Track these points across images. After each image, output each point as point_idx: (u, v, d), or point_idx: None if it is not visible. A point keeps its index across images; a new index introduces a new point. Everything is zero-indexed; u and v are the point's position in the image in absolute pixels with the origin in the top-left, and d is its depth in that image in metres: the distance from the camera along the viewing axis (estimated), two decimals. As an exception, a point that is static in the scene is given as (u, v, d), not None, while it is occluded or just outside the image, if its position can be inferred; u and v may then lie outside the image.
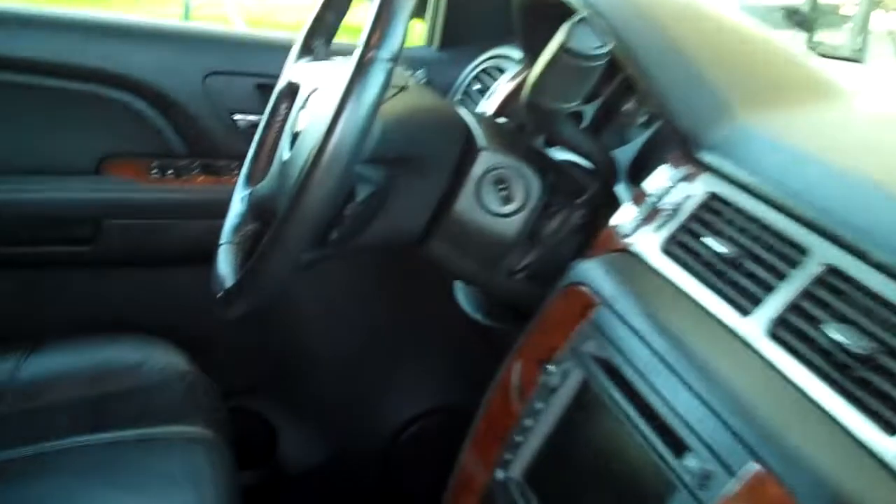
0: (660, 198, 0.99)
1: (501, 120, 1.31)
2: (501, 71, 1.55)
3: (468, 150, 1.11)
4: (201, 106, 1.59)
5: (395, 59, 0.92)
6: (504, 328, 1.24)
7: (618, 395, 0.80)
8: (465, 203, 1.10)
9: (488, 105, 1.44)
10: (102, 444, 1.31)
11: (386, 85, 0.95)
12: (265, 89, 1.56)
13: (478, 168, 1.10)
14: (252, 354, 1.70)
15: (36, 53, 1.51)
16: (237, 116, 1.61)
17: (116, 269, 1.62)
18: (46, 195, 1.56)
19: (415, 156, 1.08)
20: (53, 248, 1.58)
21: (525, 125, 1.22)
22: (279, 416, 1.75)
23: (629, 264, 0.92)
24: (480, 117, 1.17)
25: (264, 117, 1.31)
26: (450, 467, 1.75)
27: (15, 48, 1.51)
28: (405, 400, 1.76)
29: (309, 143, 1.09)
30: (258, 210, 1.23)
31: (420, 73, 1.62)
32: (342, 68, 1.09)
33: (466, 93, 1.63)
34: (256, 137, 1.31)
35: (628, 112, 1.31)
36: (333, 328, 1.71)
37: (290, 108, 1.27)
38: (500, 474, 0.88)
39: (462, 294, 1.31)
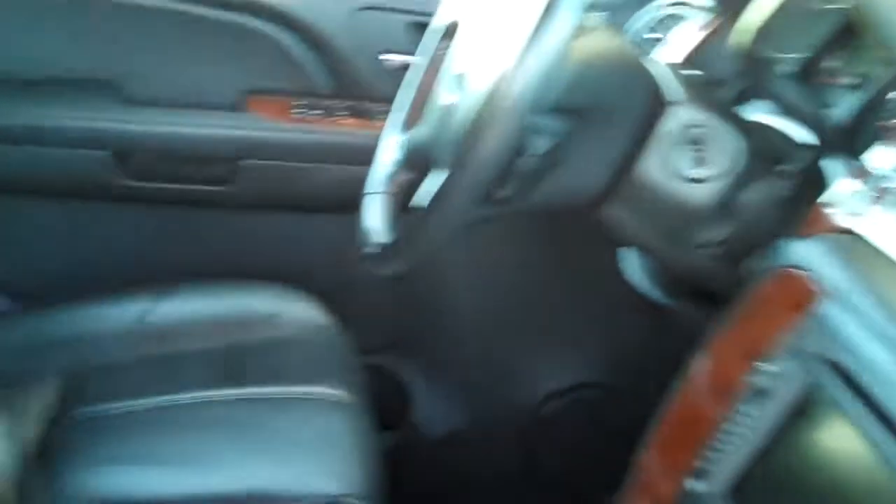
0: (889, 176, 0.84)
1: (692, 72, 1.17)
2: (678, 19, 1.40)
3: (658, 104, 0.98)
4: (349, 43, 1.48)
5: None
6: (682, 309, 1.11)
7: (854, 405, 0.66)
8: (651, 163, 0.97)
9: (668, 55, 1.29)
10: (234, 401, 1.23)
11: (577, 26, 0.83)
12: (418, 28, 1.44)
13: (669, 124, 0.96)
14: (391, 310, 1.60)
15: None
16: (385, 56, 1.49)
17: (253, 212, 1.53)
18: (185, 130, 1.48)
19: (599, 107, 0.95)
20: (189, 186, 1.50)
21: (722, 79, 1.08)
22: (415, 377, 1.66)
23: (859, 249, 0.78)
24: (674, 67, 1.04)
25: (420, 58, 1.19)
26: (594, 450, 1.64)
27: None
28: (551, 372, 1.64)
29: (477, 87, 0.97)
30: (414, 158, 1.12)
31: (602, 15, 1.48)
32: (509, 6, 0.97)
33: (635, 42, 1.48)
34: (412, 79, 1.20)
35: (832, 70, 1.15)
36: (481, 288, 1.59)
37: (447, 48, 1.15)
38: (694, 485, 0.76)
39: (632, 265, 1.18)
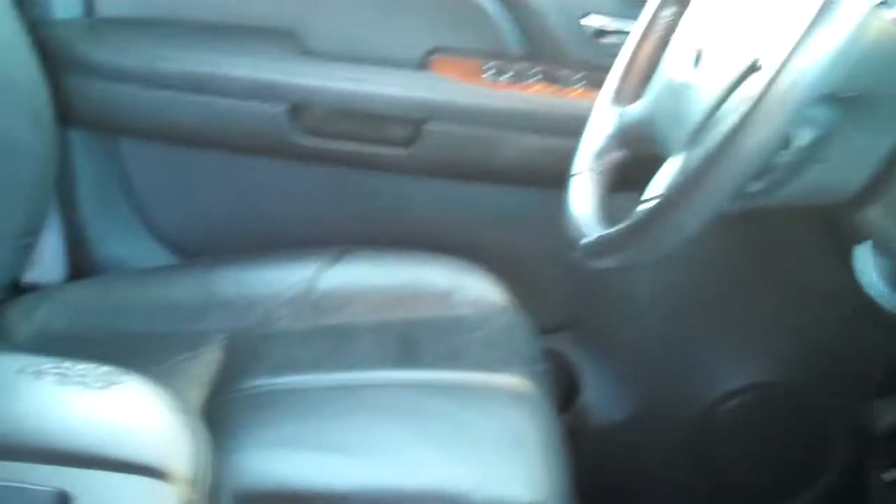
0: None
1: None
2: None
3: None
4: (549, 1, 1.36)
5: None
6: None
7: None
8: None
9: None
10: (413, 386, 1.15)
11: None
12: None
13: None
14: (566, 291, 1.49)
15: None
16: (586, 20, 1.36)
17: (433, 179, 1.43)
18: (366, 87, 1.38)
19: (874, 96, 0.81)
20: (367, 146, 1.41)
21: None
22: (586, 361, 1.54)
23: None
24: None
25: (639, 24, 1.07)
26: (771, 452, 1.51)
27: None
28: (730, 369, 1.51)
29: (721, 66, 0.85)
30: (628, 136, 1.01)
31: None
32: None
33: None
34: (627, 48, 1.08)
35: None
36: (664, 273, 1.47)
37: (676, 18, 1.03)
38: None
39: (867, 266, 1.04)
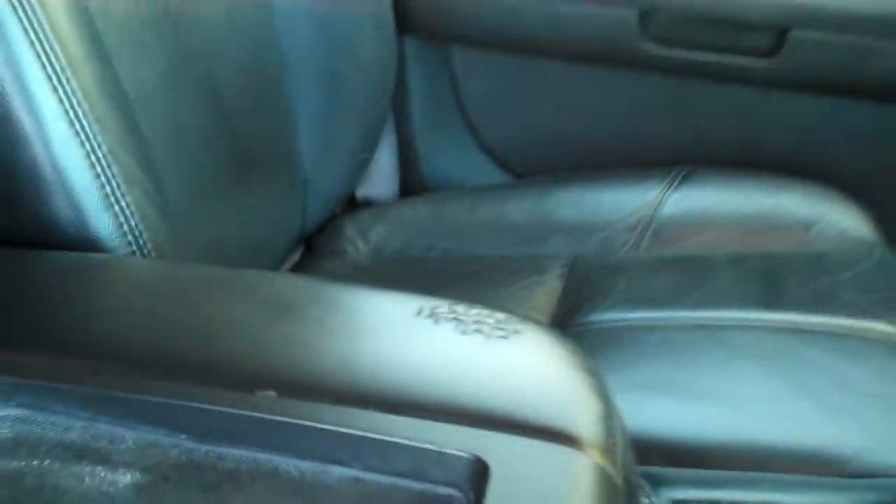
0: None
1: None
2: None
3: None
4: None
5: None
6: None
7: None
8: None
9: None
10: (780, 329, 1.01)
11: None
12: None
13: None
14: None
15: None
16: None
17: (796, 95, 1.28)
18: None
19: None
20: (723, 56, 1.27)
21: None
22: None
23: None
24: None
25: None
26: None
27: None
28: None
29: None
30: None
31: None
32: None
33: None
34: None
35: None
36: None
37: None
38: None
39: None
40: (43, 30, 0.69)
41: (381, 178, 1.41)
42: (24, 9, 0.68)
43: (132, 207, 0.73)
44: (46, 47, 0.69)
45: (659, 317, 1.04)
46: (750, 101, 1.31)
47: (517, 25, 1.30)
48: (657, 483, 0.84)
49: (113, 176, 0.72)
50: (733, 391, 0.94)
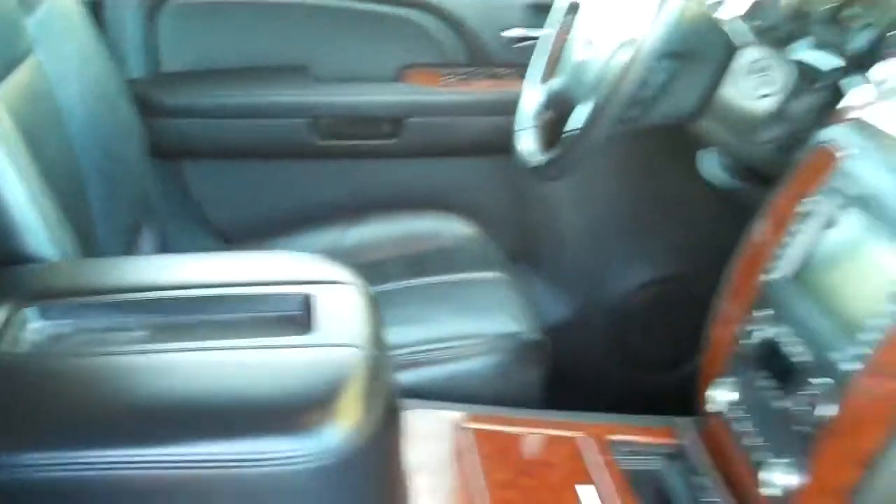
0: (887, 80, 1.29)
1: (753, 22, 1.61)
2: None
3: (731, 47, 1.43)
4: (478, 23, 1.95)
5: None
6: (749, 191, 1.55)
7: (864, 214, 1.11)
8: (729, 87, 1.43)
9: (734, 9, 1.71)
10: (428, 285, 1.69)
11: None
12: (532, 8, 1.91)
13: (740, 60, 1.42)
14: (519, 229, 2.06)
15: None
16: (506, 32, 1.95)
17: (416, 159, 2.01)
18: (360, 98, 1.96)
19: (695, 51, 1.41)
20: (364, 141, 1.98)
21: (775, 25, 1.50)
22: (532, 279, 2.07)
23: (867, 129, 1.23)
24: (741, 19, 1.48)
25: (548, 29, 1.64)
26: (671, 329, 2.02)
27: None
28: (642, 265, 2.07)
29: (606, 46, 1.43)
30: (555, 101, 1.57)
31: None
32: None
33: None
34: (544, 46, 1.64)
35: (853, 16, 1.58)
36: (583, 202, 2.03)
37: (573, 20, 1.60)
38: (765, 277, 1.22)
39: (708, 163, 1.63)
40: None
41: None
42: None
43: None
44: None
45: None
46: (393, 167, 2.03)
47: (229, 139, 1.95)
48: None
49: None
50: (415, 317, 1.60)
